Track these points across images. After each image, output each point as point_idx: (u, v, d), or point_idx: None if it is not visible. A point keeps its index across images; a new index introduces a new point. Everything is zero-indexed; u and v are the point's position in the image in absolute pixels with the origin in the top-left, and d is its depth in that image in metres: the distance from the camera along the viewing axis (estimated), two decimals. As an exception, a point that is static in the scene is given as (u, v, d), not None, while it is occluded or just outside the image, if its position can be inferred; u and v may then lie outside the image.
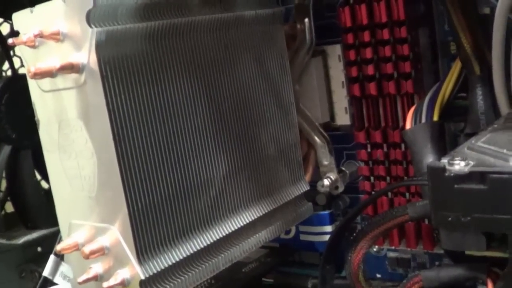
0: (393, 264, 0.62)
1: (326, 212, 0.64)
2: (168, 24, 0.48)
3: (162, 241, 0.48)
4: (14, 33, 0.53)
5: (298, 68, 0.62)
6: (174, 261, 0.48)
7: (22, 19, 0.49)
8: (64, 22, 0.45)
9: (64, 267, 0.57)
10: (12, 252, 0.69)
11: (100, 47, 0.44)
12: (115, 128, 0.45)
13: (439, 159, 0.47)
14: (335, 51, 0.62)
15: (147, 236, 0.47)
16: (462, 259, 0.49)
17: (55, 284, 0.57)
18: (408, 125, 0.52)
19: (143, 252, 0.46)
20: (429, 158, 0.50)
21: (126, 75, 0.46)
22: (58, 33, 0.46)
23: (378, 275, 0.63)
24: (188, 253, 0.49)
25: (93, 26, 0.44)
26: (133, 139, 0.46)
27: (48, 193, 0.75)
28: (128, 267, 0.47)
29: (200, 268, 0.51)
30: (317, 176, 0.64)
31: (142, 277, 0.46)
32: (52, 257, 0.56)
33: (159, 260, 0.47)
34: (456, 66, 0.52)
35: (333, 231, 0.61)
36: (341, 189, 0.62)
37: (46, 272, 0.56)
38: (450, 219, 0.36)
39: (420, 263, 0.61)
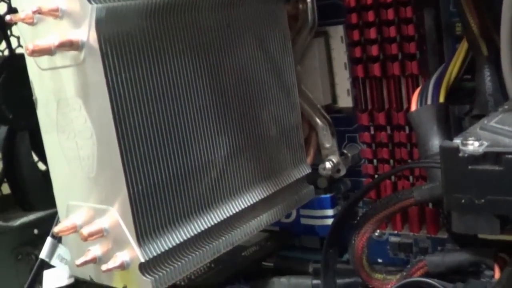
0: (395, 248, 0.61)
1: (328, 195, 0.63)
2: (169, 1, 0.47)
3: (162, 224, 0.47)
4: (11, 12, 0.52)
5: (300, 49, 0.61)
6: (174, 244, 0.47)
7: (19, -5, 0.48)
8: (63, -2, 0.44)
9: (61, 250, 0.56)
10: (8, 234, 0.68)
11: (100, 24, 0.43)
12: (115, 107, 0.44)
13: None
14: (337, 32, 0.61)
15: (147, 218, 0.46)
16: (468, 244, 0.48)
17: (52, 266, 0.56)
18: (413, 107, 0.51)
19: (143, 235, 0.46)
20: (435, 140, 0.49)
21: (127, 53, 0.44)
22: (57, 10, 0.44)
23: (380, 260, 0.62)
24: (189, 236, 0.48)
25: (92, 2, 0.43)
26: (133, 118, 0.45)
27: (45, 174, 0.74)
28: (128, 249, 0.46)
29: (200, 251, 0.50)
30: (318, 159, 0.63)
31: (142, 260, 0.45)
32: (49, 239, 0.55)
33: (159, 243, 0.47)
34: (463, 47, 0.51)
35: (336, 215, 0.60)
36: (343, 172, 0.61)
37: (43, 255, 0.55)
38: (463, 201, 0.35)
39: (423, 247, 0.60)
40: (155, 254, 0.46)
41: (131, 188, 0.45)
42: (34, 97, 0.49)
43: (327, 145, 0.62)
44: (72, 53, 0.44)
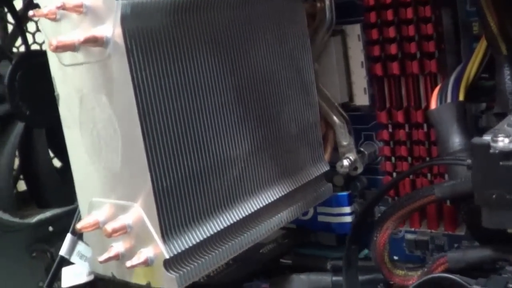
0: (411, 246, 0.62)
1: (345, 193, 0.63)
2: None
3: (186, 220, 0.47)
4: (28, 8, 0.52)
5: (318, 47, 0.61)
6: (198, 240, 0.47)
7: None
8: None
9: (81, 247, 0.56)
10: (24, 231, 0.67)
11: (125, 20, 0.43)
12: (140, 103, 0.44)
13: (466, 139, 0.47)
14: (354, 31, 0.61)
15: (171, 214, 0.46)
16: (488, 241, 0.48)
17: (71, 263, 0.56)
18: (433, 105, 0.52)
19: (167, 231, 0.46)
20: (456, 138, 0.49)
21: (151, 49, 0.45)
22: (81, 6, 0.44)
23: (395, 257, 0.63)
24: (212, 232, 0.49)
25: (118, -2, 0.43)
26: (158, 114, 0.45)
27: (60, 171, 0.74)
28: (152, 246, 0.46)
29: (224, 247, 0.50)
30: (335, 157, 0.63)
31: (167, 256, 0.45)
32: (69, 236, 0.55)
33: (183, 239, 0.47)
34: (481, 46, 0.52)
35: (359, 211, 0.61)
36: (360, 170, 0.62)
37: (62, 251, 0.55)
38: (494, 196, 0.36)
39: (439, 245, 0.60)
40: (179, 250, 0.46)
41: (155, 184, 0.45)
42: (56, 93, 0.49)
43: (344, 143, 0.62)
44: (96, 49, 0.44)
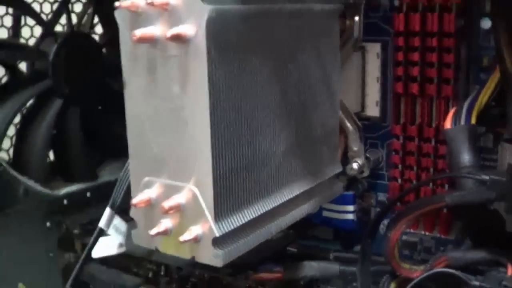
0: (401, 245, 0.70)
1: (350, 193, 0.70)
2: (262, 8, 0.53)
3: (234, 204, 0.53)
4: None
5: (342, 60, 0.68)
6: (241, 223, 0.53)
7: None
8: (174, -6, 0.49)
9: (116, 220, 0.60)
10: (42, 202, 0.71)
11: (209, 24, 0.48)
12: (212, 97, 0.49)
13: (475, 157, 0.55)
14: (374, 49, 0.69)
15: (223, 198, 0.51)
16: (484, 244, 0.57)
17: (108, 235, 0.60)
18: (448, 125, 0.59)
19: (219, 213, 0.51)
20: (466, 156, 0.57)
21: (225, 51, 0.50)
22: (167, 4, 0.49)
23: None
24: (253, 216, 0.55)
25: (205, 3, 0.48)
26: (224, 108, 0.50)
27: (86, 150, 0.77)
28: (203, 224, 0.51)
29: (259, 231, 0.56)
30: (343, 160, 0.70)
31: (217, 235, 0.51)
32: (107, 210, 0.60)
33: (230, 220, 0.52)
34: (494, 77, 0.60)
35: (379, 211, 0.68)
36: (366, 173, 0.69)
37: (101, 224, 0.59)
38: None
39: (427, 247, 0.69)
40: (226, 230, 0.52)
41: (215, 170, 0.50)
42: (123, 80, 0.53)
43: (355, 148, 0.69)
44: (176, 45, 0.49)
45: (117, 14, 0.53)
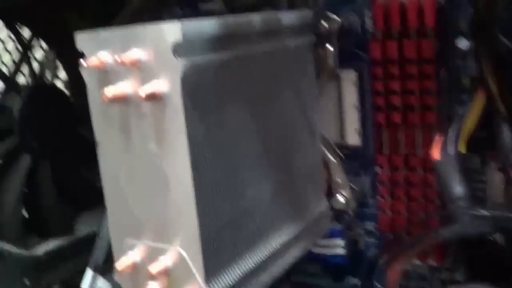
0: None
1: (339, 227, 0.68)
2: (236, 53, 0.51)
3: (223, 262, 0.50)
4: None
5: (318, 90, 0.66)
6: (231, 281, 0.51)
7: (87, 40, 0.49)
8: (143, 50, 0.46)
9: (100, 282, 0.58)
10: (20, 260, 0.67)
11: (185, 79, 0.45)
12: (192, 152, 0.46)
13: (466, 187, 0.54)
14: (349, 76, 0.67)
15: (212, 257, 0.49)
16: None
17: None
18: (435, 156, 0.58)
19: (208, 273, 0.49)
20: (457, 186, 0.56)
21: (202, 104, 0.48)
22: (138, 61, 0.46)
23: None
24: (242, 273, 0.52)
25: (178, 57, 0.45)
26: (206, 162, 0.48)
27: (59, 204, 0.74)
28: (192, 286, 0.49)
29: (249, 285, 0.53)
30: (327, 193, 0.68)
31: (208, 298, 0.48)
32: (89, 271, 0.57)
33: (220, 279, 0.50)
34: (479, 103, 0.58)
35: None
36: (353, 206, 0.67)
37: (85, 285, 0.57)
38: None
39: (420, 273, 0.67)
40: (218, 289, 0.49)
41: (202, 229, 0.48)
42: (96, 140, 0.51)
43: (338, 180, 0.67)
44: (149, 103, 0.47)
45: (84, 72, 0.50)
